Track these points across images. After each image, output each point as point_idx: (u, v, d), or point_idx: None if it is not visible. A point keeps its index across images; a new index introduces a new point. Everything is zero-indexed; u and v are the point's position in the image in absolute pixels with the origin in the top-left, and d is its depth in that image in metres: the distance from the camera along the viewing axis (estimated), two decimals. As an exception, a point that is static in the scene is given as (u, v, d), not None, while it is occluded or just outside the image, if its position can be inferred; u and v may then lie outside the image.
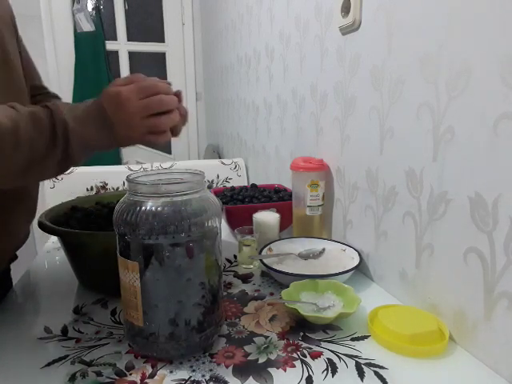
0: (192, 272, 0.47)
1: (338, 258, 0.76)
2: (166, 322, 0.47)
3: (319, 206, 0.87)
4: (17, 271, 0.79)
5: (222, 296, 0.54)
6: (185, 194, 0.47)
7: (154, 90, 0.52)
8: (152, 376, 0.47)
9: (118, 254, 0.48)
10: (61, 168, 0.53)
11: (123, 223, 0.46)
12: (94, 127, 0.53)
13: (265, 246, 0.80)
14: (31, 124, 0.49)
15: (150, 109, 0.52)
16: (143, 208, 0.45)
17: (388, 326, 0.53)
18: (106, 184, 1.49)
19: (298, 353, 0.51)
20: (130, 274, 0.47)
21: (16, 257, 0.73)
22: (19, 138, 0.47)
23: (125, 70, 2.50)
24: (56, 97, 0.81)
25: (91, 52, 2.36)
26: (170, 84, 0.56)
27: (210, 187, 0.45)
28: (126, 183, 0.49)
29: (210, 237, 0.49)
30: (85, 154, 0.55)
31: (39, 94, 0.75)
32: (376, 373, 0.47)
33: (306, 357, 0.50)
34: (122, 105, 0.51)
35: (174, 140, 0.56)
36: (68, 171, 0.56)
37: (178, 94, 0.56)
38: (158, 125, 0.53)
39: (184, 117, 0.58)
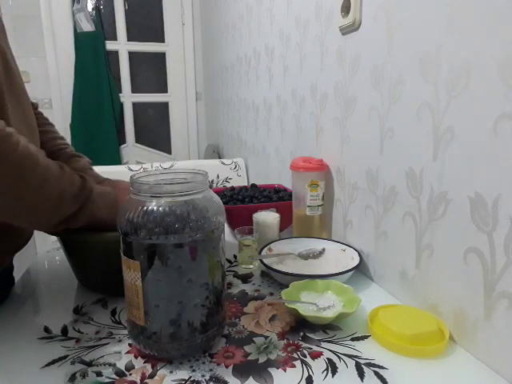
0: (194, 273, 0.47)
1: (338, 258, 0.76)
2: (168, 322, 0.47)
3: (319, 206, 0.87)
4: (17, 271, 0.79)
5: (225, 297, 0.53)
6: (188, 194, 0.47)
7: None
8: (152, 376, 0.47)
9: (121, 253, 0.48)
10: (60, 223, 0.57)
11: (126, 223, 0.46)
12: (107, 206, 0.61)
13: (265, 246, 0.80)
14: (67, 178, 0.55)
15: None
16: (146, 208, 0.45)
17: (388, 325, 0.53)
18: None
19: (298, 353, 0.51)
20: (132, 274, 0.47)
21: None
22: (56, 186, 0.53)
23: (125, 69, 2.50)
24: (49, 124, 0.83)
25: (91, 52, 2.36)
26: None
27: (210, 187, 0.46)
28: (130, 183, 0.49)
29: (213, 237, 0.49)
30: (86, 222, 0.59)
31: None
32: (376, 373, 0.47)
33: (305, 357, 0.50)
34: (116, 202, 0.61)
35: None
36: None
37: None
38: None
39: None
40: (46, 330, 0.57)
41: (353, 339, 0.54)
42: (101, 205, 0.60)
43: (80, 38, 2.33)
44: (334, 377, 0.47)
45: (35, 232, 0.72)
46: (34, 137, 0.67)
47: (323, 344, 0.53)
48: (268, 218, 0.87)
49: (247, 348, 0.52)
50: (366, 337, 0.55)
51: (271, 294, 0.68)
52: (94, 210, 0.59)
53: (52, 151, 0.75)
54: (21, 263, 0.78)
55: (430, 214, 0.57)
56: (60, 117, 2.37)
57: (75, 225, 0.58)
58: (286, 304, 0.59)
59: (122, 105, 2.51)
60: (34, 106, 0.80)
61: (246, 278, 0.75)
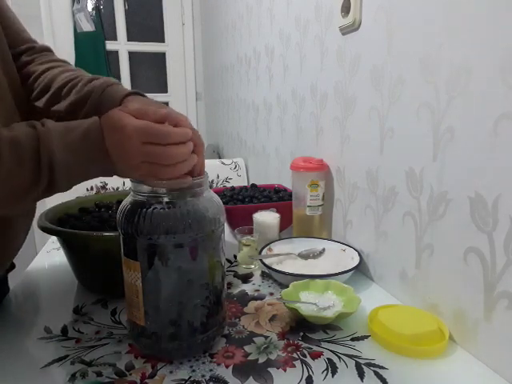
0: (194, 273, 0.47)
1: (338, 257, 0.76)
2: (168, 322, 0.47)
3: (319, 206, 0.87)
4: (17, 271, 0.79)
5: (225, 297, 0.53)
6: (188, 194, 0.47)
7: (163, 139, 0.44)
8: (152, 376, 0.47)
9: (122, 253, 0.48)
10: (43, 196, 0.47)
11: (126, 223, 0.46)
12: (87, 158, 0.46)
13: (265, 246, 0.80)
14: (11, 155, 0.42)
15: (152, 158, 0.45)
16: (146, 208, 0.45)
17: (388, 325, 0.53)
18: (106, 184, 1.49)
19: (298, 353, 0.51)
20: (132, 274, 0.47)
21: (13, 266, 0.72)
22: None
23: (125, 69, 2.50)
24: (47, 49, 0.75)
25: (91, 52, 2.36)
26: (194, 131, 0.48)
27: (210, 187, 0.45)
28: (130, 183, 0.49)
29: (213, 237, 0.49)
30: (72, 185, 0.48)
31: (26, 50, 0.70)
32: (376, 373, 0.47)
33: (305, 357, 0.50)
34: (122, 142, 0.44)
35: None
36: None
37: (195, 143, 0.48)
38: (158, 171, 0.45)
39: (194, 171, 0.48)
40: (46, 330, 0.57)
41: (353, 339, 0.54)
42: (80, 149, 0.45)
43: (80, 38, 2.33)
44: (334, 377, 0.47)
45: (35, 232, 0.71)
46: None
47: (323, 344, 0.53)
48: (268, 218, 0.87)
49: (247, 348, 0.52)
50: (366, 337, 0.55)
51: (271, 294, 0.68)
52: (75, 165, 0.46)
53: (64, 83, 0.64)
54: (21, 263, 0.78)
55: (430, 214, 0.57)
56: (60, 117, 2.36)
57: (64, 189, 0.48)
58: (286, 304, 0.59)
59: (122, 105, 2.51)
60: (44, 48, 0.74)
61: (246, 278, 0.75)
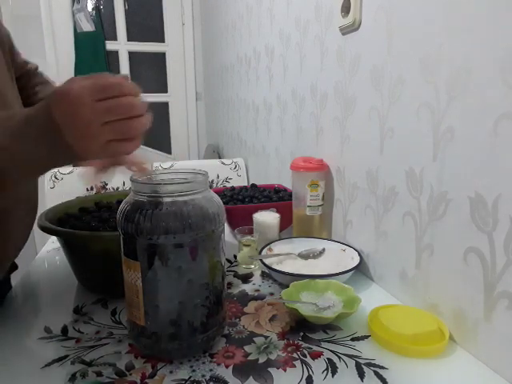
0: (194, 273, 0.47)
1: (338, 257, 0.76)
2: (168, 322, 0.47)
3: (319, 206, 0.87)
4: (17, 271, 0.79)
5: (225, 297, 0.53)
6: (188, 194, 0.47)
7: (117, 89, 0.40)
8: (152, 376, 0.47)
9: (122, 253, 0.49)
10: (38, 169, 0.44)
11: (126, 223, 0.46)
12: (33, 142, 0.41)
13: (265, 246, 0.80)
14: None
15: (113, 113, 0.40)
16: (146, 208, 0.45)
17: (388, 326, 0.53)
18: (106, 184, 1.49)
19: (298, 353, 0.51)
20: (132, 274, 0.47)
21: (16, 267, 0.72)
22: None
23: (125, 69, 2.50)
24: (36, 69, 0.79)
25: (91, 52, 2.36)
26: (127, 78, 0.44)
27: (210, 187, 0.45)
28: (130, 183, 0.48)
29: (213, 237, 0.49)
30: (20, 178, 0.44)
31: (20, 77, 0.72)
32: (376, 373, 0.47)
33: (306, 357, 0.50)
34: (72, 107, 0.39)
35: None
36: (67, 171, 0.52)
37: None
38: (126, 130, 0.42)
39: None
40: (46, 329, 0.57)
41: (353, 339, 0.54)
42: (24, 133, 0.41)
43: (80, 38, 2.33)
44: (334, 377, 0.47)
45: (35, 232, 0.72)
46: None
47: (323, 344, 0.53)
48: (268, 218, 0.87)
49: (247, 348, 0.52)
50: (366, 337, 0.55)
51: (271, 294, 0.68)
52: (18, 152, 0.41)
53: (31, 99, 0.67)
54: (21, 263, 0.78)
55: (430, 214, 0.57)
56: (60, 117, 2.36)
57: (10, 184, 0.43)
58: (286, 304, 0.59)
59: (121, 105, 2.51)
60: (33, 67, 0.79)
61: (246, 278, 0.75)
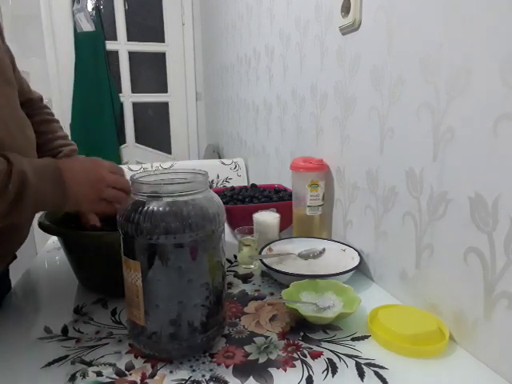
0: (194, 273, 0.47)
1: (338, 258, 0.76)
2: (168, 322, 0.47)
3: (319, 206, 0.87)
4: (17, 271, 0.79)
5: (225, 297, 0.53)
6: (188, 194, 0.47)
7: (121, 174, 0.65)
8: (152, 376, 0.47)
9: (122, 253, 0.48)
10: (7, 216, 0.51)
11: (126, 223, 0.46)
12: (50, 182, 0.54)
13: (265, 246, 0.80)
14: None
15: (117, 183, 0.61)
16: (146, 208, 0.45)
17: (388, 326, 0.53)
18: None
19: (298, 353, 0.51)
20: (132, 274, 0.47)
21: (15, 257, 0.73)
22: None
23: (125, 69, 2.50)
24: (40, 100, 0.81)
25: (91, 52, 2.36)
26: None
27: (210, 187, 0.46)
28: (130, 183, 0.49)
29: (213, 237, 0.49)
30: (33, 211, 0.55)
31: (24, 102, 0.75)
32: (376, 373, 0.47)
33: (306, 357, 0.50)
34: (97, 168, 0.60)
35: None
36: None
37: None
38: (116, 196, 0.60)
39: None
40: (46, 329, 0.57)
41: (353, 339, 0.54)
42: (44, 174, 0.54)
43: (80, 38, 2.33)
44: (334, 377, 0.47)
45: (35, 232, 0.72)
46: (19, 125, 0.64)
47: (323, 344, 0.53)
48: (268, 218, 0.87)
49: (247, 348, 0.52)
50: (366, 337, 0.55)
51: (271, 293, 0.68)
52: (41, 187, 0.53)
53: (52, 154, 0.75)
54: (21, 263, 0.78)
55: (430, 214, 0.57)
56: (60, 117, 2.32)
57: (26, 214, 0.53)
58: (286, 304, 0.59)
59: (121, 105, 2.51)
60: (37, 98, 0.80)
61: (246, 278, 0.75)
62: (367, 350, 0.52)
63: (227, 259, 0.84)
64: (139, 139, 2.60)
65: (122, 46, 2.46)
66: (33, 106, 0.78)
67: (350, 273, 0.68)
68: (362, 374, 0.47)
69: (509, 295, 0.45)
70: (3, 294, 0.69)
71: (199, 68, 2.62)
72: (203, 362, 0.49)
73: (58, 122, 0.83)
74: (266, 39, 1.26)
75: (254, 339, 0.54)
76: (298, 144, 1.06)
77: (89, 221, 0.67)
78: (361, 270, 0.76)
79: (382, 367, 0.48)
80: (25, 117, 0.66)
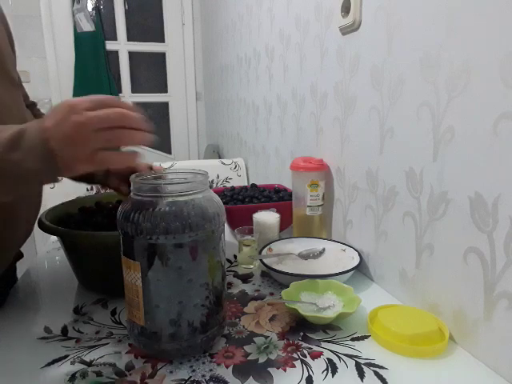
0: (194, 273, 0.47)
1: (338, 258, 0.76)
2: (168, 322, 0.47)
3: (319, 206, 0.87)
4: (17, 271, 0.79)
5: (225, 297, 0.53)
6: (188, 194, 0.47)
7: (111, 102, 0.42)
8: (152, 376, 0.47)
9: (121, 253, 0.48)
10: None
11: (126, 223, 0.46)
12: (24, 153, 0.41)
13: (265, 246, 0.80)
14: None
15: (105, 121, 0.41)
16: (146, 208, 0.45)
17: (388, 326, 0.53)
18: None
19: (298, 353, 0.51)
20: (132, 274, 0.47)
21: (22, 255, 0.72)
22: None
23: (125, 69, 2.50)
24: (33, 104, 0.79)
25: (91, 52, 2.36)
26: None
27: (210, 187, 0.45)
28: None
29: (213, 237, 0.49)
30: (14, 189, 0.43)
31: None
32: (376, 373, 0.47)
33: (306, 357, 0.50)
34: (64, 114, 0.40)
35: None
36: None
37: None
38: (115, 138, 0.42)
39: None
40: (46, 329, 0.57)
41: (353, 339, 0.54)
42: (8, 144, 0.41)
43: (80, 38, 2.33)
44: (333, 377, 0.47)
45: (35, 232, 0.72)
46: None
47: (323, 344, 0.53)
48: (268, 218, 0.87)
49: (247, 348, 0.52)
50: (366, 337, 0.55)
51: (271, 294, 0.68)
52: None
53: None
54: (21, 263, 0.78)
55: (430, 214, 0.57)
56: (60, 117, 2.36)
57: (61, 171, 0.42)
58: (286, 304, 0.59)
59: (122, 105, 2.51)
60: (31, 103, 0.79)
61: (246, 278, 0.75)
62: (367, 350, 0.52)
63: (227, 259, 0.84)
64: (139, 139, 2.60)
65: (122, 46, 2.46)
66: (33, 110, 0.78)
67: (350, 273, 0.68)
68: (361, 374, 0.47)
69: (509, 295, 0.45)
70: (9, 285, 0.68)
71: (199, 68, 2.62)
72: (203, 362, 0.49)
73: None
74: (265, 39, 1.26)
75: (254, 339, 0.54)
76: (298, 144, 1.06)
77: (118, 188, 0.58)
78: (361, 270, 0.76)
79: (381, 367, 0.48)
80: (32, 117, 0.65)
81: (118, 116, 0.42)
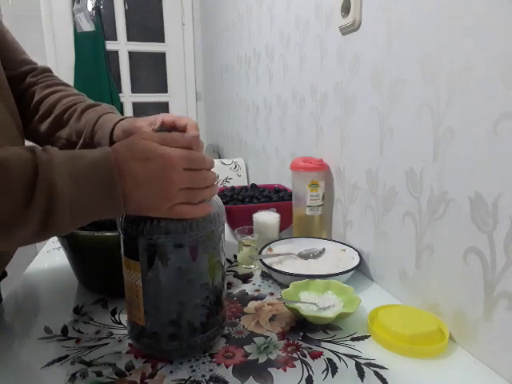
0: (194, 273, 0.47)
1: (338, 258, 0.76)
2: (168, 322, 0.47)
3: (319, 206, 0.87)
4: (16, 271, 0.79)
5: (225, 297, 0.53)
6: None
7: (201, 163, 0.46)
8: (152, 376, 0.47)
9: (122, 253, 0.48)
10: (33, 239, 0.39)
11: (126, 223, 0.46)
12: (96, 190, 0.40)
13: (265, 246, 0.80)
14: None
15: (194, 183, 0.45)
16: None
17: (388, 326, 0.53)
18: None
19: (298, 353, 0.51)
20: (132, 274, 0.47)
21: (5, 274, 0.70)
22: None
23: (125, 69, 2.50)
24: (48, 70, 0.73)
25: (91, 52, 2.36)
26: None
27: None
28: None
29: (213, 237, 0.49)
30: (74, 226, 0.41)
31: (30, 70, 0.70)
32: (376, 373, 0.47)
33: (306, 357, 0.50)
34: (163, 171, 0.42)
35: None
36: None
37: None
38: (198, 197, 0.45)
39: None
40: (46, 330, 0.57)
41: (353, 339, 0.54)
42: (90, 179, 0.40)
43: (80, 38, 2.33)
44: (334, 377, 0.47)
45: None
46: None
47: (323, 344, 0.53)
48: (268, 218, 0.87)
49: (247, 348, 0.52)
50: (366, 337, 0.55)
51: (271, 293, 0.68)
52: (79, 199, 0.39)
53: (64, 110, 0.66)
54: (21, 263, 0.78)
55: (430, 214, 0.57)
56: (60, 117, 2.36)
57: (64, 230, 0.40)
58: (286, 304, 0.59)
59: (122, 105, 2.51)
60: (46, 69, 0.74)
61: (246, 278, 0.75)
62: (367, 350, 0.52)
63: (227, 259, 0.84)
64: (139, 139, 2.60)
65: (122, 45, 2.46)
66: (37, 75, 0.71)
67: (350, 273, 0.68)
68: (361, 374, 0.47)
69: (509, 295, 0.45)
70: None
71: (199, 68, 2.62)
72: (203, 362, 0.49)
73: (68, 85, 0.73)
74: (265, 39, 1.26)
75: (254, 339, 0.54)
76: (298, 144, 1.06)
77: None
78: (361, 270, 0.76)
79: (381, 367, 0.48)
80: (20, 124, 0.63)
81: (203, 180, 0.46)
